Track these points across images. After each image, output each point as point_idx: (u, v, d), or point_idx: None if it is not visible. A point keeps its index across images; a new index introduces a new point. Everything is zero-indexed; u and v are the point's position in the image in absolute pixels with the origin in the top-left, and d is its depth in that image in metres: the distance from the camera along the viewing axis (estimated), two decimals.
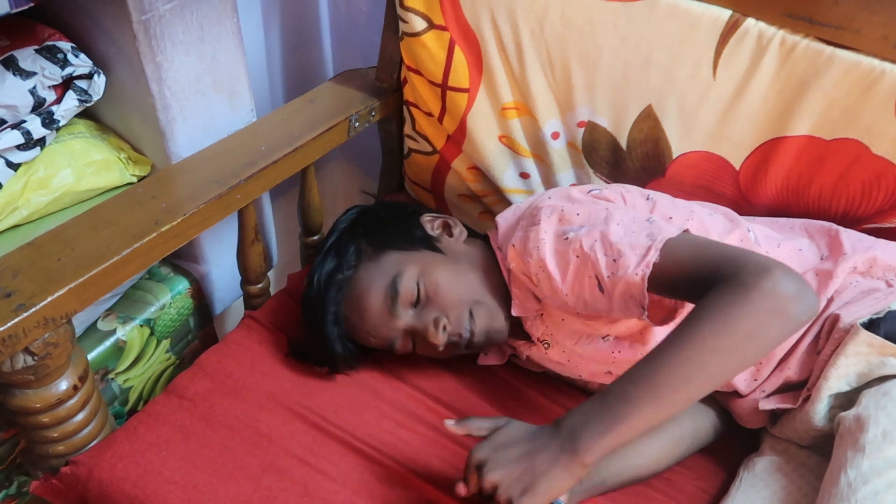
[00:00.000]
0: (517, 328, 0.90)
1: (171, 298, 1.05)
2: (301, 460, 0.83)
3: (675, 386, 0.63)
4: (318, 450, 0.85)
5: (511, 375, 0.97)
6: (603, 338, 0.87)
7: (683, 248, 0.71)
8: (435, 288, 0.83)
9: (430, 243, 0.87)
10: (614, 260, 0.72)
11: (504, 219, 0.90)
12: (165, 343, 1.06)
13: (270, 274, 1.21)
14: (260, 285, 1.03)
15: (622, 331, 0.85)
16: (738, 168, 0.94)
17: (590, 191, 0.83)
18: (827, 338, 0.79)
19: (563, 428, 0.65)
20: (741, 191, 0.95)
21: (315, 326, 0.87)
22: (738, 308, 0.63)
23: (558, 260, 0.77)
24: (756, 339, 0.63)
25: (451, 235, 0.91)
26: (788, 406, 0.81)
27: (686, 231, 0.74)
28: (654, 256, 0.70)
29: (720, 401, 0.91)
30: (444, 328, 0.82)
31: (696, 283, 0.67)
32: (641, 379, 0.64)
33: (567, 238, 0.77)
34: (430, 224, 0.92)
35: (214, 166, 0.90)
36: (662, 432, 0.84)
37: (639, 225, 0.74)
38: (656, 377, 0.63)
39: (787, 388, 0.85)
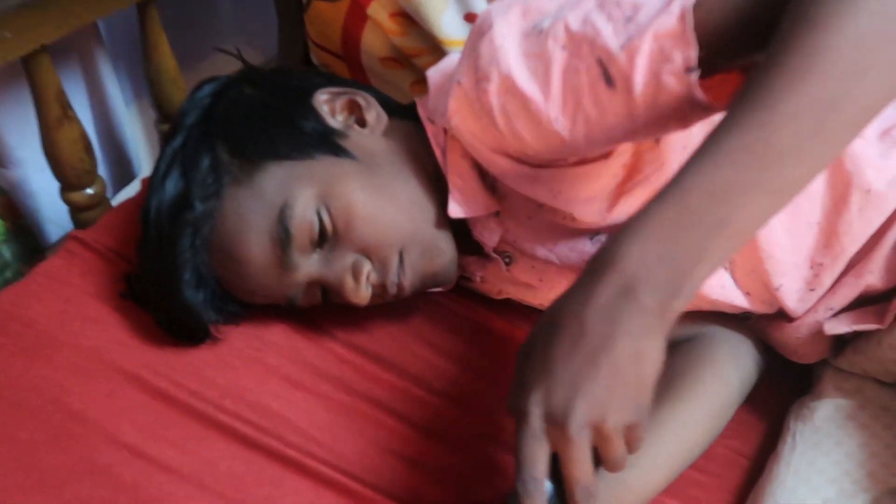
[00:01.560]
0: (463, 237, 0.62)
1: None
2: (134, 452, 0.55)
3: (805, 148, 0.39)
4: (162, 433, 0.57)
5: (459, 304, 0.69)
6: (591, 237, 0.60)
7: None
8: (347, 217, 0.57)
9: (331, 143, 0.59)
10: (628, 18, 0.46)
11: (439, 71, 0.60)
12: None
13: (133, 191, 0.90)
14: (89, 191, 0.71)
15: (618, 221, 0.57)
16: None
17: None
18: None
19: (632, 266, 0.40)
20: None
21: (165, 293, 0.58)
22: None
23: (533, 66, 0.49)
24: None
25: (363, 125, 0.61)
26: (872, 327, 0.59)
27: None
28: None
29: (756, 329, 0.66)
30: (368, 277, 0.58)
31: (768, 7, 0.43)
32: (742, 150, 0.39)
33: (542, 31, 0.48)
34: (329, 107, 0.61)
35: None
36: (702, 400, 0.61)
37: None
38: (770, 141, 0.38)
39: (866, 302, 0.61)
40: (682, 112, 0.46)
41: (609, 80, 0.46)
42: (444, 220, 0.59)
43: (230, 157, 0.57)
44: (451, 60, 0.61)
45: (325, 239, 0.57)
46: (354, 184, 0.57)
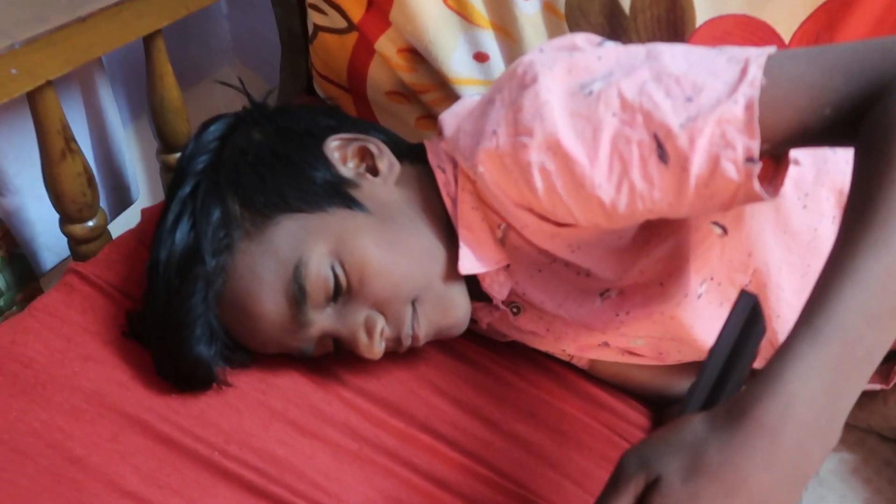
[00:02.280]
0: (472, 284, 0.61)
1: None
2: (137, 499, 0.53)
3: None
4: (165, 480, 0.55)
5: (466, 346, 0.68)
6: (602, 294, 0.58)
7: (793, 61, 0.46)
8: (361, 274, 0.56)
9: (343, 194, 0.58)
10: (689, 98, 0.46)
11: (453, 114, 0.59)
12: None
13: (130, 215, 0.88)
14: (90, 224, 0.69)
15: (633, 280, 0.56)
16: (787, 40, 0.67)
17: (600, 42, 0.52)
18: None
19: (803, 419, 0.37)
20: None
21: (175, 347, 0.57)
22: None
23: (581, 128, 0.48)
24: None
25: (375, 173, 0.60)
26: (877, 387, 0.60)
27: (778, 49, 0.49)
28: (756, 73, 0.45)
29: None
30: (382, 333, 0.58)
31: (836, 110, 0.44)
32: (886, 273, 0.38)
33: (591, 92, 0.48)
34: (341, 154, 0.60)
35: None
36: None
37: (705, 52, 0.48)
38: None
39: None
40: (731, 198, 0.46)
41: (663, 156, 0.46)
42: (457, 272, 0.58)
43: (241, 210, 0.56)
44: (465, 105, 0.60)
45: (339, 294, 0.56)
46: (368, 239, 0.56)
